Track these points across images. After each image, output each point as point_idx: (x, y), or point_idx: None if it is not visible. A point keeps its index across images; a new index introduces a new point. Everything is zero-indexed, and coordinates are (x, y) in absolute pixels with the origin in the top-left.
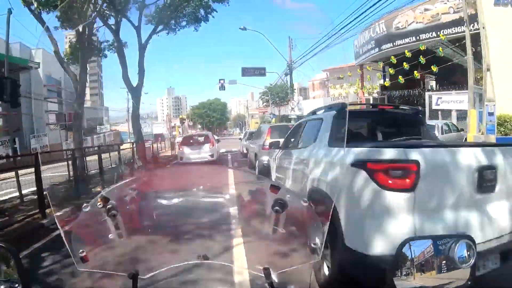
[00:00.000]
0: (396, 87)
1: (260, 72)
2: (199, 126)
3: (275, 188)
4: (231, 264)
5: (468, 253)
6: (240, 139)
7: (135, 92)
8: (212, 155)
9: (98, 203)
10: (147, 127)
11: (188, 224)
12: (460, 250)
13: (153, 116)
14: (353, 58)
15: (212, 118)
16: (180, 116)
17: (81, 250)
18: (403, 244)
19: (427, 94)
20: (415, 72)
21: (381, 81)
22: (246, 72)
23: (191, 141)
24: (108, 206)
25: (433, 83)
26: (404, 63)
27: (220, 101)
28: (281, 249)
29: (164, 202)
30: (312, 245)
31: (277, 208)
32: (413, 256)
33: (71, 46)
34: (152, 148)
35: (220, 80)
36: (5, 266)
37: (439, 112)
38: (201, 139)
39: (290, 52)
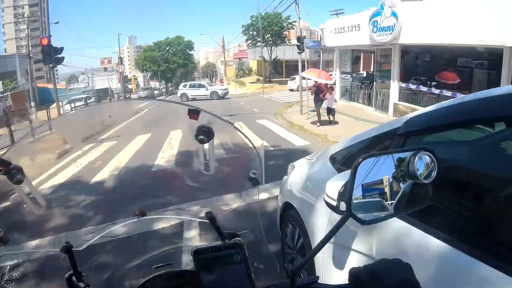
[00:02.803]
0: None
1: None
2: (150, 77)
3: (193, 112)
4: (172, 216)
5: (429, 166)
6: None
7: None
8: None
9: None
10: (84, 82)
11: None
12: (419, 163)
13: (109, 70)
14: None
15: (173, 64)
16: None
17: None
18: (359, 163)
19: None
20: None
21: None
22: None
23: None
24: (11, 172)
25: None
26: None
27: (183, 39)
28: (218, 184)
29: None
30: (251, 175)
31: (201, 137)
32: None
33: None
34: None
35: None
36: None
37: None
38: None
39: None
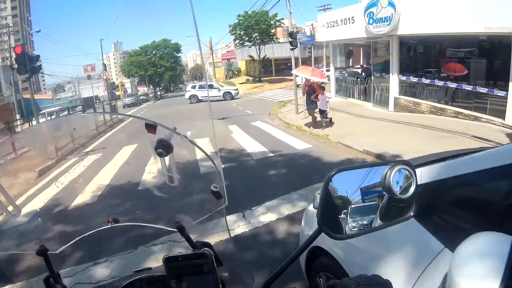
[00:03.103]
0: None
1: None
2: (138, 82)
3: (150, 127)
4: (142, 224)
5: (407, 180)
6: None
7: None
8: None
9: None
10: (70, 91)
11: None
12: (396, 177)
13: (96, 78)
14: None
15: (160, 68)
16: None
17: None
18: (331, 176)
19: None
20: None
21: None
22: None
23: None
24: None
25: None
26: None
27: (170, 42)
28: (182, 199)
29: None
30: (213, 188)
31: (160, 150)
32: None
33: None
34: None
35: None
36: None
37: None
38: None
39: None
